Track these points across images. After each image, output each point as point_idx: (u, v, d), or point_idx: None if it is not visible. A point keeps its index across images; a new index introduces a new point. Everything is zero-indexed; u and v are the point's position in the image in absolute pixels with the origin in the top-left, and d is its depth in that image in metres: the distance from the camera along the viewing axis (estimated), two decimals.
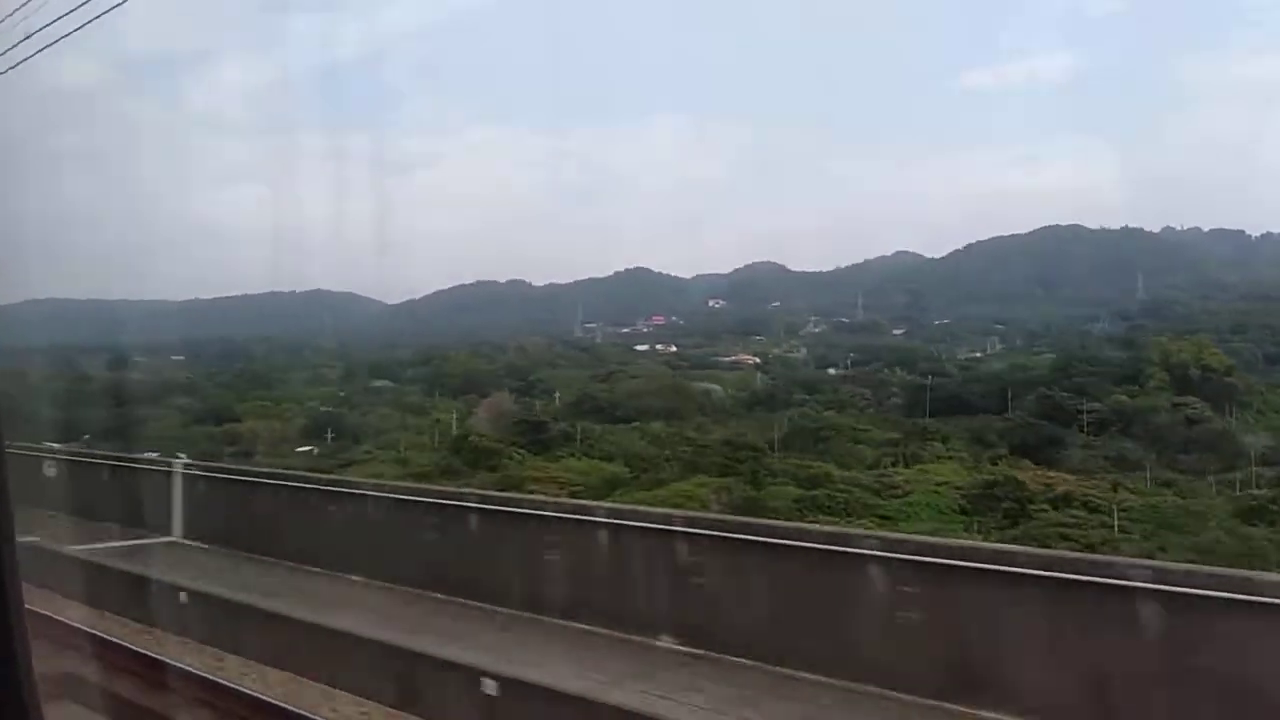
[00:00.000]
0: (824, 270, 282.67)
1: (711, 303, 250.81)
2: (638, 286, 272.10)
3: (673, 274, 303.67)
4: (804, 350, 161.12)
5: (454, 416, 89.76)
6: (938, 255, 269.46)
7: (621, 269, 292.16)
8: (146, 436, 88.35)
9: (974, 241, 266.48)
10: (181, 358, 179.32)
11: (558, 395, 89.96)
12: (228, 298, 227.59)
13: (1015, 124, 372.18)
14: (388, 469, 56.25)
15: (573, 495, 40.53)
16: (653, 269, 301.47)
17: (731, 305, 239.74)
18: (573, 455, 62.17)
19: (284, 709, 9.29)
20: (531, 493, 38.39)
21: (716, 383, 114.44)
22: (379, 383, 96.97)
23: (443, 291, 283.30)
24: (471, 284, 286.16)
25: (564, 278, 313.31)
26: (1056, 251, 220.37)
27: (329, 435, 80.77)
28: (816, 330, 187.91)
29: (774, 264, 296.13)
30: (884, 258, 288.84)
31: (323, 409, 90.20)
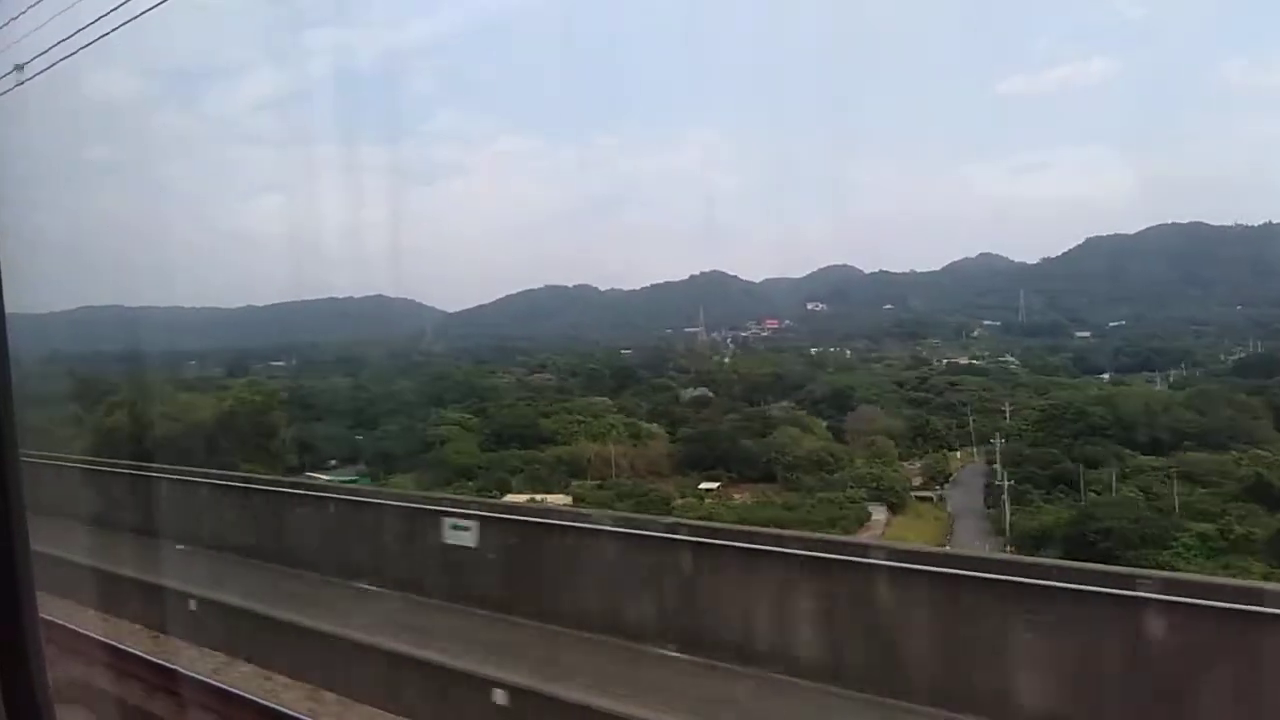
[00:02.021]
0: (901, 272, 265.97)
1: (810, 306, 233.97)
2: (711, 290, 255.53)
3: (742, 277, 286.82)
4: (1013, 357, 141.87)
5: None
6: (1028, 258, 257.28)
7: (696, 272, 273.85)
8: (446, 465, 64.21)
9: (1081, 241, 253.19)
10: (281, 363, 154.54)
11: (1008, 409, 67.10)
12: (285, 304, 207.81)
13: (1055, 128, 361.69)
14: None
15: None
16: (726, 272, 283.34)
17: (831, 309, 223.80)
18: None
19: None
20: None
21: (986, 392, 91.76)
22: (693, 392, 73.03)
23: (512, 296, 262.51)
24: (540, 289, 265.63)
25: (623, 283, 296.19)
26: (1183, 251, 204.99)
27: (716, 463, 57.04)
28: (977, 333, 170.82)
29: (850, 267, 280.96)
30: (968, 259, 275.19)
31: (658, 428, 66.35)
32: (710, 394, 73.14)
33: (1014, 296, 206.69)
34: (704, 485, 53.42)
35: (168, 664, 10.11)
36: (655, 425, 68.15)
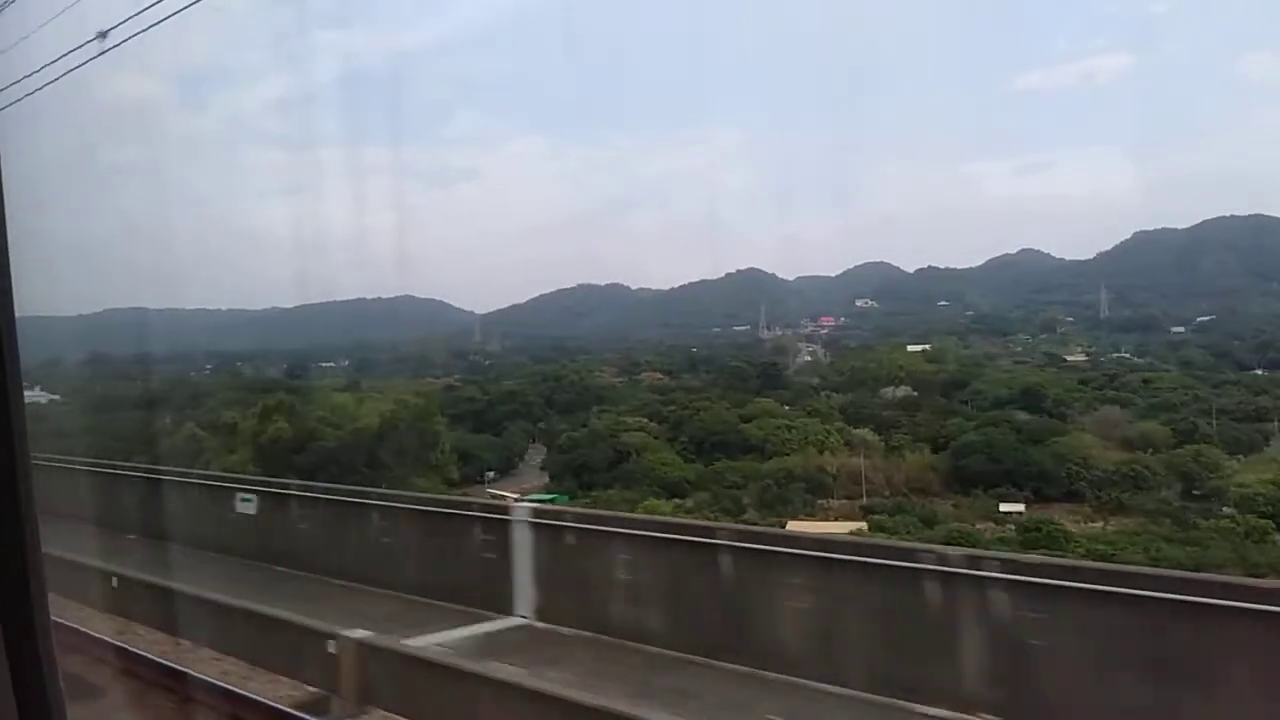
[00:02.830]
0: (941, 268, 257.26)
1: (860, 303, 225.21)
2: (748, 288, 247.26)
3: (780, 275, 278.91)
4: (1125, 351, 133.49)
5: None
6: (1069, 254, 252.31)
7: (733, 270, 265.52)
8: (649, 479, 52.26)
9: (1129, 236, 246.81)
10: (332, 364, 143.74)
11: None
12: (311, 305, 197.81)
13: (1073, 124, 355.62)
14: None
15: None
16: (764, 270, 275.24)
17: (883, 306, 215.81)
18: None
19: None
20: None
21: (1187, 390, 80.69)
22: (896, 391, 61.89)
23: (545, 295, 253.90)
24: (573, 288, 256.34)
25: (649, 282, 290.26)
26: (1251, 244, 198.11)
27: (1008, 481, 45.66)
28: (1063, 330, 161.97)
29: (888, 265, 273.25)
30: (1009, 254, 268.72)
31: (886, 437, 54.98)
32: (915, 394, 62.06)
33: (1073, 292, 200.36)
34: (1005, 508, 42.35)
35: None
36: (863, 430, 56.90)
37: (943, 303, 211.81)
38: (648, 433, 53.71)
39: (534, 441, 67.93)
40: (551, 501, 46.00)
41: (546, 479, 57.64)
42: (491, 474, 59.33)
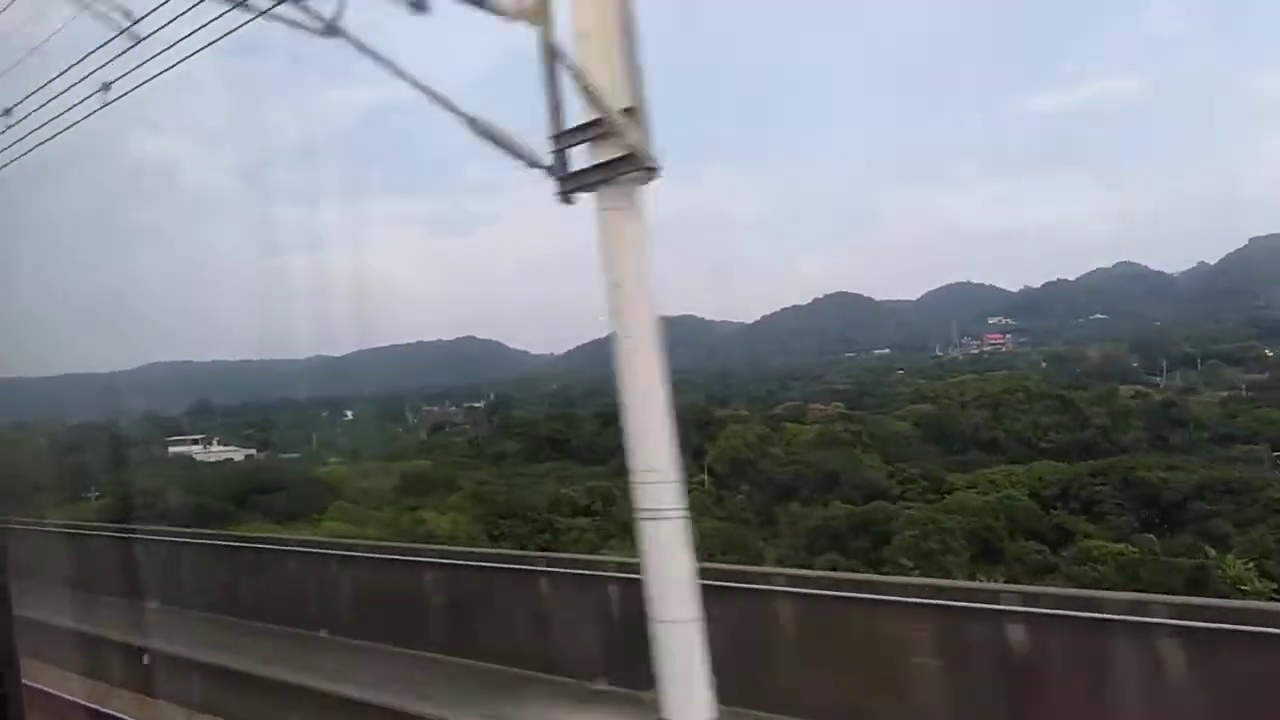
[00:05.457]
0: (1035, 286, 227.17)
1: (992, 320, 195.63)
2: (842, 313, 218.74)
3: (874, 298, 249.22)
4: None
5: None
6: (1153, 264, 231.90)
7: (821, 294, 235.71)
8: None
9: (1244, 244, 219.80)
10: (454, 408, 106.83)
11: None
12: (367, 350, 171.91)
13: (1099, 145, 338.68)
14: None
15: None
16: (860, 294, 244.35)
17: (1019, 322, 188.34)
18: None
19: None
20: None
21: None
22: None
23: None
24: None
25: (708, 312, 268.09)
26: None
27: None
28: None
29: (971, 284, 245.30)
30: (1103, 269, 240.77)
31: None
32: None
33: (1223, 300, 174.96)
34: None
35: None
36: None
37: (1099, 315, 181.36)
38: None
39: None
40: None
41: None
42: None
